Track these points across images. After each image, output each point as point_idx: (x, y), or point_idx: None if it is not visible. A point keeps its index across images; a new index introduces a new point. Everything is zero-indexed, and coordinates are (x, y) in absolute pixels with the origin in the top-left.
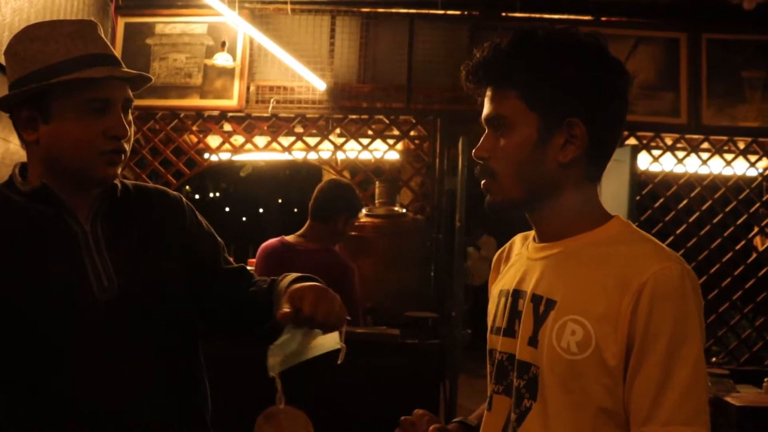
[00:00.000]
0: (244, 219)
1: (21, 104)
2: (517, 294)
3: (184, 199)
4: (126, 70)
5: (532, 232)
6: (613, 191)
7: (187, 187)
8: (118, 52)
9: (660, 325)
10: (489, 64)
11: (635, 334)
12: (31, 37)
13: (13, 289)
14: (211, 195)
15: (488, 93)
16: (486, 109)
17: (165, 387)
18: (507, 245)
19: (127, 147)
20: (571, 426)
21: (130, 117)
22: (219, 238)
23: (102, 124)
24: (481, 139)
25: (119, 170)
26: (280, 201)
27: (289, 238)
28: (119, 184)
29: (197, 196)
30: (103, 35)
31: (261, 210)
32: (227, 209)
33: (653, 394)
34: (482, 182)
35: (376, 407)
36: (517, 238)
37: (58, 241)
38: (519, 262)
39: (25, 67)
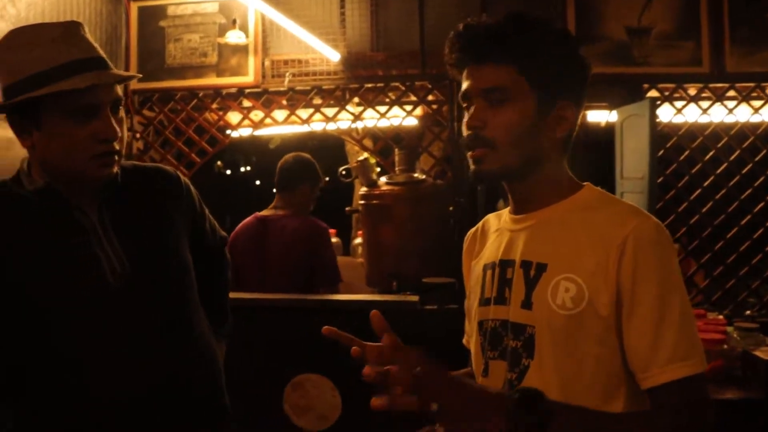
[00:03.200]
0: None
1: (12, 111)
2: (504, 264)
3: (182, 176)
4: (111, 72)
5: (504, 210)
6: (633, 146)
7: (219, 162)
8: (133, 37)
9: (647, 271)
10: (492, 39)
11: (624, 283)
12: (15, 43)
13: (28, 282)
14: (242, 169)
15: (480, 67)
16: (481, 81)
17: (181, 360)
18: (479, 224)
19: (119, 146)
20: (570, 376)
21: (122, 114)
22: (209, 220)
23: (91, 128)
24: (473, 109)
25: (115, 169)
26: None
27: (263, 212)
28: (118, 170)
29: (228, 171)
30: (87, 35)
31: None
32: (258, 182)
33: (650, 337)
34: (474, 151)
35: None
36: (490, 217)
37: (68, 234)
38: (501, 236)
39: (14, 75)
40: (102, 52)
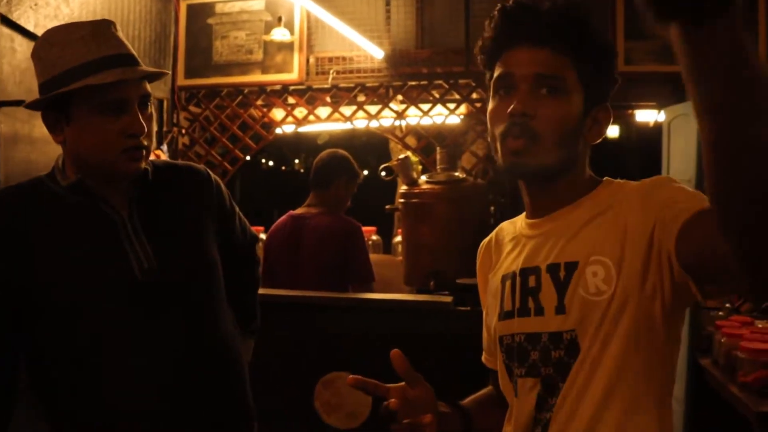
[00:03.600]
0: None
1: (46, 108)
2: (525, 272)
3: (212, 175)
4: (138, 68)
5: (519, 217)
6: (681, 148)
7: (263, 160)
8: (181, 35)
9: (663, 186)
10: (553, 23)
11: (651, 216)
12: (50, 42)
13: (58, 276)
14: (295, 163)
15: (535, 50)
16: (536, 66)
17: (203, 359)
18: (492, 234)
19: (147, 142)
20: (621, 365)
21: (150, 110)
22: (239, 218)
23: (120, 123)
24: (522, 93)
25: (143, 164)
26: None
27: (295, 211)
28: (150, 167)
29: (278, 165)
30: (119, 33)
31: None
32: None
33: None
34: (516, 141)
35: (430, 373)
36: (505, 225)
37: (98, 229)
38: (518, 244)
39: (48, 72)
40: (132, 50)
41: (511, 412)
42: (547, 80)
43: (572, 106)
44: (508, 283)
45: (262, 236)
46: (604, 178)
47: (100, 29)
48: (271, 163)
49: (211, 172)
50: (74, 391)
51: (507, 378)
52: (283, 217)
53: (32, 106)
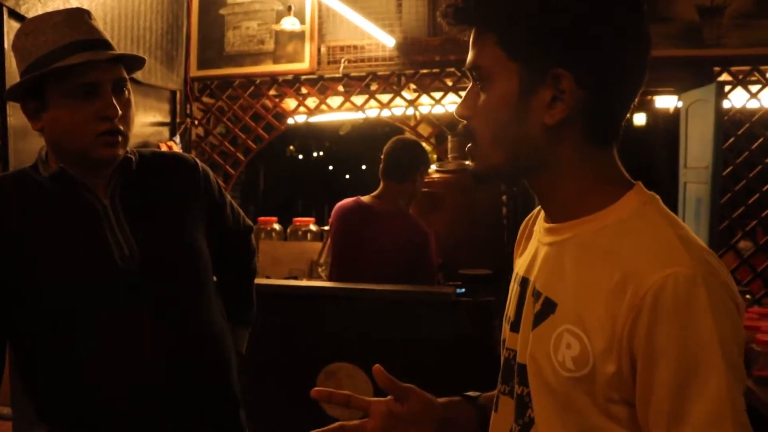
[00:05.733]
0: (347, 177)
1: (24, 96)
2: (525, 283)
3: (199, 163)
4: (108, 52)
5: None
6: (698, 134)
7: (291, 147)
8: (193, 25)
9: (663, 350)
10: (466, 1)
11: (639, 357)
12: (25, 32)
13: (40, 263)
14: (315, 155)
15: (471, 36)
16: (468, 56)
17: (185, 348)
18: (534, 211)
19: (124, 127)
20: None
21: (127, 96)
22: (232, 207)
23: (93, 107)
24: (464, 94)
25: (120, 150)
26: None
27: (365, 198)
28: (134, 157)
29: (300, 156)
30: (92, 21)
31: (363, 167)
32: (330, 167)
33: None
34: (467, 146)
35: (433, 365)
36: None
37: (80, 217)
38: (533, 242)
39: (24, 61)
40: (106, 36)
41: (489, 425)
42: (471, 72)
43: (499, 92)
44: (514, 287)
45: (277, 226)
46: (634, 184)
47: (74, 16)
48: (300, 156)
49: (198, 161)
50: (57, 379)
51: (497, 388)
52: (351, 201)
53: (9, 95)
